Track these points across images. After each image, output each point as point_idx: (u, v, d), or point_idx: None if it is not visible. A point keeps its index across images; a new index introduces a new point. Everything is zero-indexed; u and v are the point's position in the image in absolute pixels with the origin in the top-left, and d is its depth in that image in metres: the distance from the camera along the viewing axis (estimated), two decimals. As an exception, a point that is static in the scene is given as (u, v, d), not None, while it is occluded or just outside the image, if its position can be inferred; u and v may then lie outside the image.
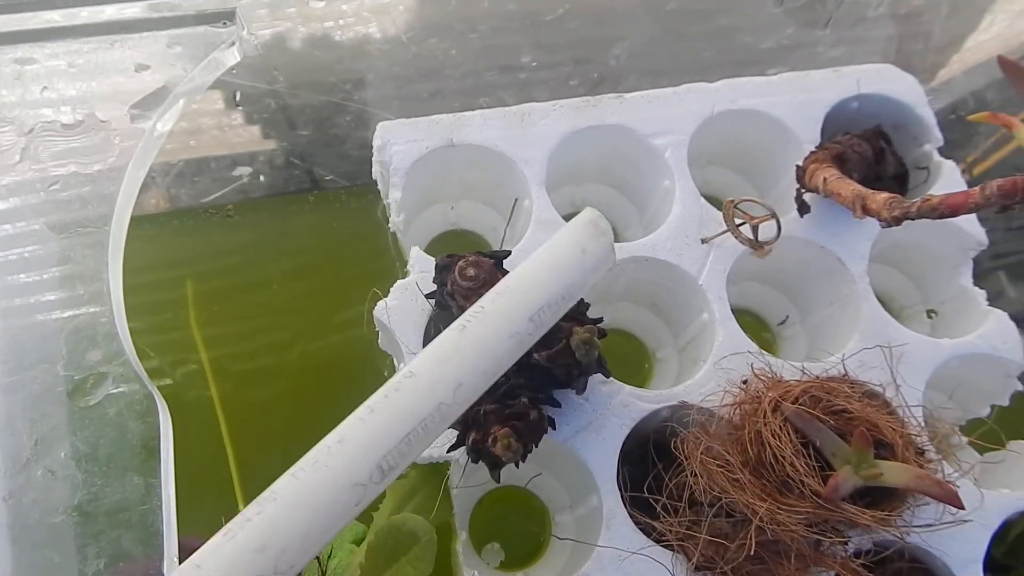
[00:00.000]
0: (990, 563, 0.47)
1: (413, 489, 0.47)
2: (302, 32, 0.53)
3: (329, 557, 0.45)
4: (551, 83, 0.58)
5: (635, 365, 0.58)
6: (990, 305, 0.54)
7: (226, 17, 0.46)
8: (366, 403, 0.25)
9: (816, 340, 0.56)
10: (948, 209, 0.38)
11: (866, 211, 0.42)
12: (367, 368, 0.55)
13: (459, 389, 0.26)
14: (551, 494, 0.53)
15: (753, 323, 0.61)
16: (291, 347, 0.59)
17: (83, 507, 0.38)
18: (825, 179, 0.45)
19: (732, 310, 0.51)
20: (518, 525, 0.53)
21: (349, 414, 0.27)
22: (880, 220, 0.41)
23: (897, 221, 0.40)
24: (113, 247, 0.41)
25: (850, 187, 0.43)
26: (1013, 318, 0.53)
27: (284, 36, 0.52)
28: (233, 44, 0.46)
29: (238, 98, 0.55)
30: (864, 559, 0.43)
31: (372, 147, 0.53)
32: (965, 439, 0.55)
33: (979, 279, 0.55)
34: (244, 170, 0.58)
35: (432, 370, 0.26)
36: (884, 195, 0.41)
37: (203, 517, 0.51)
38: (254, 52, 0.49)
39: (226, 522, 0.23)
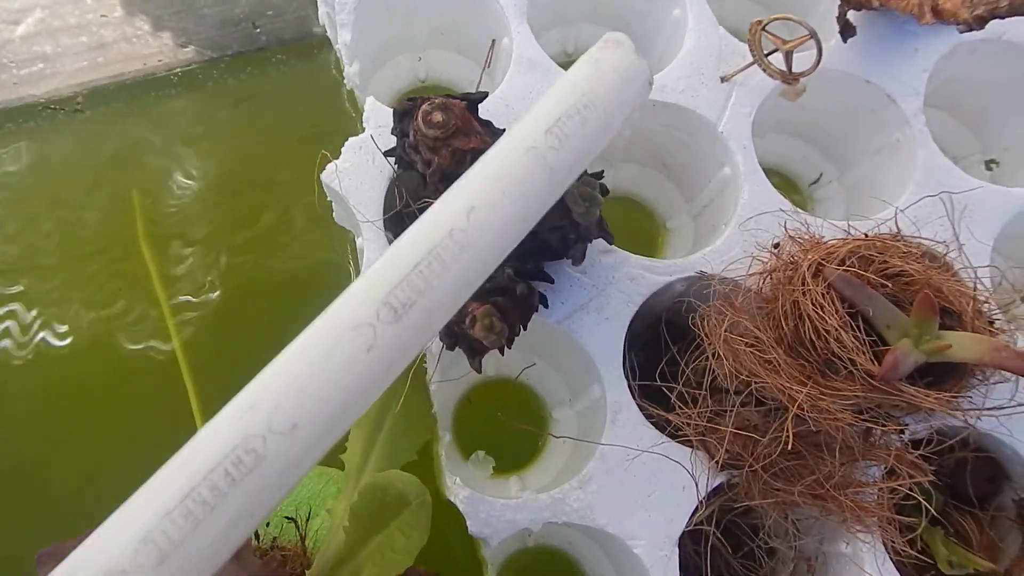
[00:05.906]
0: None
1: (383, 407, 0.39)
2: None
3: (308, 519, 0.38)
4: None
5: (644, 238, 0.50)
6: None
7: None
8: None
9: (857, 200, 0.48)
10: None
11: (937, 14, 0.32)
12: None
13: (473, 212, 0.23)
14: (548, 386, 0.46)
15: (780, 184, 0.52)
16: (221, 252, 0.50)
17: None
18: (880, -19, 0.35)
19: (757, 166, 0.43)
20: (510, 423, 0.46)
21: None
22: (958, 24, 0.31)
23: (981, 22, 0.30)
24: None
25: (916, -16, 0.33)
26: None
27: None
28: None
29: None
30: (922, 451, 0.36)
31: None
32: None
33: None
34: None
35: (442, 201, 0.23)
36: (964, -11, 0.31)
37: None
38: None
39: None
